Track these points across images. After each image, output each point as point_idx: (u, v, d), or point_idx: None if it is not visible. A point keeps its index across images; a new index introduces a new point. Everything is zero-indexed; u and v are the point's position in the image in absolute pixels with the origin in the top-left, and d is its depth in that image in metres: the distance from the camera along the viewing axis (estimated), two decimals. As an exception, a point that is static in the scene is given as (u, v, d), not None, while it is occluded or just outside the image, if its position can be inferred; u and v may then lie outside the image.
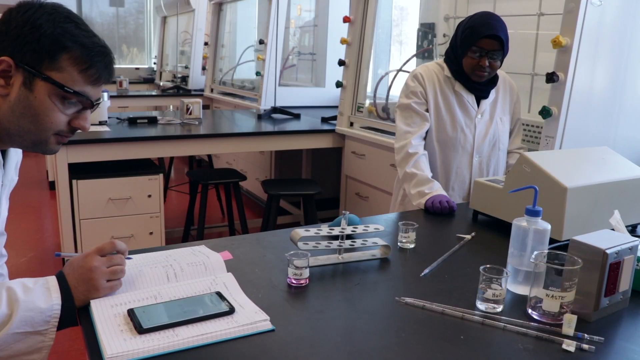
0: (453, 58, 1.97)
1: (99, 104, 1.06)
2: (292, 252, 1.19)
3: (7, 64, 0.94)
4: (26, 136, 1.01)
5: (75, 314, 0.99)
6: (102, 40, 1.02)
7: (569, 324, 0.99)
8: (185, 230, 3.59)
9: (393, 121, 3.06)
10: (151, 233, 3.07)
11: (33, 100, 0.97)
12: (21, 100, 0.97)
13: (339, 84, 3.61)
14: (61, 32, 0.95)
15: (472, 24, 1.88)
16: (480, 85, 1.98)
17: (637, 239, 1.11)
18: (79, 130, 1.05)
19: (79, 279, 1.02)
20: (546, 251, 1.09)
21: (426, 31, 3.28)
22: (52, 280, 0.99)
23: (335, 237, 1.34)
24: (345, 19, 3.53)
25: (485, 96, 2.01)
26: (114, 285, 1.05)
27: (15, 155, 1.14)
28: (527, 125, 2.53)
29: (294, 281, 1.17)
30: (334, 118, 3.78)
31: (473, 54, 1.88)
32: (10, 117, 0.99)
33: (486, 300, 1.08)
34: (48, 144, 1.03)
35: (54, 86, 0.97)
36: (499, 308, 1.09)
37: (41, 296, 0.95)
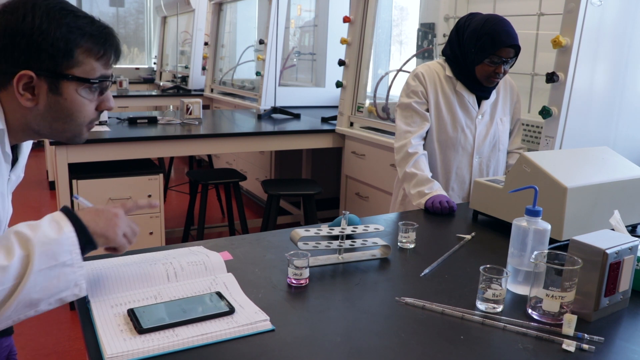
0: (462, 61, 1.94)
1: (114, 81, 1.07)
2: (292, 252, 1.19)
3: (27, 77, 0.95)
4: (59, 135, 1.03)
5: (92, 238, 0.96)
6: (101, 21, 1.02)
7: (569, 324, 0.99)
8: (185, 230, 3.59)
9: (393, 121, 3.06)
10: (151, 233, 3.07)
11: (64, 103, 0.98)
12: (52, 106, 0.98)
13: (339, 84, 3.61)
14: (67, 29, 0.95)
15: (489, 32, 1.83)
16: (482, 86, 1.98)
17: (637, 239, 1.11)
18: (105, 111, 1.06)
19: (100, 216, 0.99)
20: (546, 251, 1.09)
21: (426, 31, 3.28)
22: (57, 214, 0.96)
23: (335, 237, 1.34)
24: (345, 19, 3.53)
25: (487, 97, 2.01)
26: (125, 244, 1.02)
27: (27, 150, 1.15)
28: (527, 125, 2.53)
29: (294, 281, 1.17)
30: (334, 118, 3.78)
31: (491, 62, 1.86)
32: (41, 122, 1.00)
33: (486, 300, 1.08)
34: (82, 135, 1.05)
35: (79, 82, 0.98)
36: (499, 308, 1.09)
37: (51, 228, 0.92)
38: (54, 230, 0.91)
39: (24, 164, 1.15)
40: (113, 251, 1.03)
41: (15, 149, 1.08)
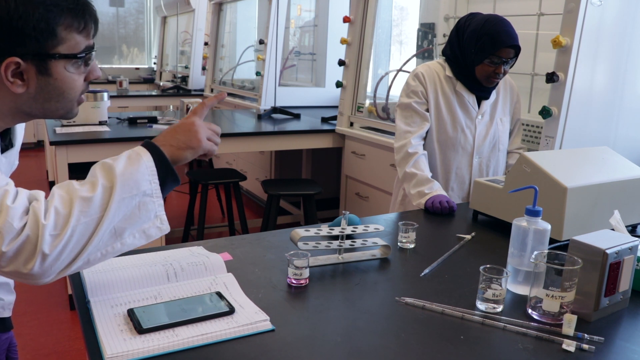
0: (462, 61, 1.95)
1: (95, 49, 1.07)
2: (292, 252, 1.19)
3: (14, 63, 0.93)
4: (52, 114, 1.03)
5: (174, 171, 0.98)
6: None
7: (569, 324, 0.99)
8: (185, 230, 3.59)
9: (393, 121, 3.06)
10: (151, 233, 3.06)
11: (54, 83, 0.98)
12: (43, 88, 0.98)
13: (339, 84, 3.61)
14: (45, 9, 0.94)
15: (489, 32, 1.83)
16: (482, 86, 1.98)
17: (637, 239, 1.11)
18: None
19: (178, 131, 1.01)
20: (546, 251, 1.09)
21: (426, 31, 3.28)
22: (138, 147, 0.98)
23: (335, 237, 1.34)
24: (345, 19, 3.53)
25: (486, 97, 2.01)
26: (212, 147, 1.04)
27: (20, 136, 1.14)
28: (527, 125, 2.53)
29: (294, 281, 1.17)
30: (334, 118, 3.78)
31: (491, 62, 1.86)
32: (33, 104, 0.99)
33: (486, 300, 1.08)
34: (73, 110, 1.06)
35: (66, 59, 0.98)
36: (499, 308, 1.09)
37: (130, 159, 0.94)
38: (133, 160, 0.94)
39: (18, 150, 1.14)
40: (204, 157, 1.05)
41: (7, 134, 1.07)
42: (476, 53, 1.87)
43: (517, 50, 1.86)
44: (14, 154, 1.11)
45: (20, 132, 1.14)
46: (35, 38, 0.93)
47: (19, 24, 0.92)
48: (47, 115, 1.03)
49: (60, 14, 0.95)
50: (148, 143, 0.98)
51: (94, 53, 1.04)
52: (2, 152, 1.04)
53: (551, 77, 2.06)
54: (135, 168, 0.93)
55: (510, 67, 1.91)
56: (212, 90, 6.04)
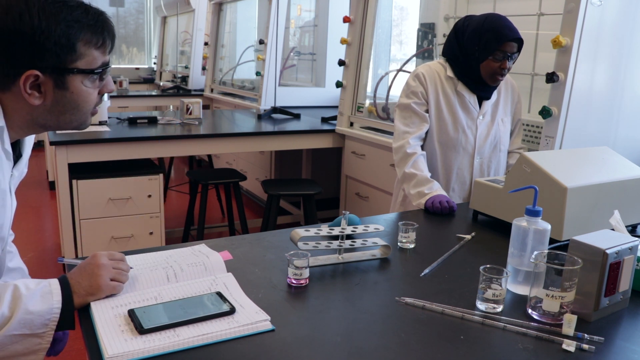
0: (463, 62, 1.95)
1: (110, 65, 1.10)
2: (292, 252, 1.19)
3: (33, 76, 0.95)
4: (66, 126, 1.05)
5: (73, 317, 0.99)
6: (93, 7, 1.03)
7: (569, 324, 0.99)
8: (185, 230, 3.59)
9: (393, 121, 3.06)
10: (151, 233, 3.07)
11: (71, 96, 1.00)
12: (59, 101, 1.00)
13: (339, 84, 3.61)
14: (66, 25, 0.96)
15: (491, 28, 1.84)
16: (484, 86, 1.98)
17: (637, 239, 1.11)
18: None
19: (84, 274, 1.03)
20: (546, 251, 1.09)
21: (426, 31, 3.27)
22: (55, 283, 0.99)
23: (335, 237, 1.34)
24: (345, 19, 3.53)
25: (488, 97, 2.01)
26: (116, 287, 1.06)
27: (29, 147, 1.16)
28: (527, 125, 2.53)
29: (294, 281, 1.17)
30: (334, 118, 3.78)
31: (496, 58, 1.86)
32: (48, 117, 1.02)
33: (486, 300, 1.08)
34: (87, 121, 1.08)
35: (84, 74, 1.00)
36: (499, 308, 1.09)
37: (42, 299, 0.95)
38: (43, 302, 0.95)
39: (27, 159, 1.16)
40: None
41: (17, 145, 1.08)
42: (480, 51, 1.87)
43: (519, 44, 1.86)
44: (23, 163, 1.13)
45: (29, 140, 1.15)
46: (55, 53, 0.96)
47: (41, 38, 0.94)
48: (61, 127, 1.05)
49: (80, 29, 0.98)
50: (66, 286, 0.99)
51: (109, 69, 1.06)
52: (13, 165, 1.05)
53: (551, 77, 2.06)
54: (39, 310, 0.94)
55: (513, 63, 1.91)
56: (212, 90, 6.04)
